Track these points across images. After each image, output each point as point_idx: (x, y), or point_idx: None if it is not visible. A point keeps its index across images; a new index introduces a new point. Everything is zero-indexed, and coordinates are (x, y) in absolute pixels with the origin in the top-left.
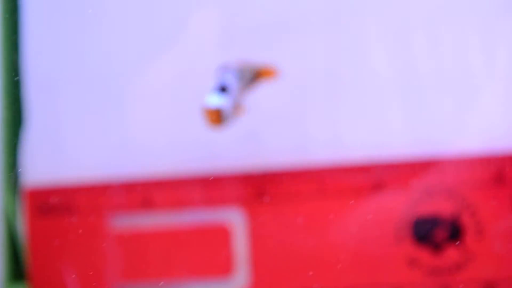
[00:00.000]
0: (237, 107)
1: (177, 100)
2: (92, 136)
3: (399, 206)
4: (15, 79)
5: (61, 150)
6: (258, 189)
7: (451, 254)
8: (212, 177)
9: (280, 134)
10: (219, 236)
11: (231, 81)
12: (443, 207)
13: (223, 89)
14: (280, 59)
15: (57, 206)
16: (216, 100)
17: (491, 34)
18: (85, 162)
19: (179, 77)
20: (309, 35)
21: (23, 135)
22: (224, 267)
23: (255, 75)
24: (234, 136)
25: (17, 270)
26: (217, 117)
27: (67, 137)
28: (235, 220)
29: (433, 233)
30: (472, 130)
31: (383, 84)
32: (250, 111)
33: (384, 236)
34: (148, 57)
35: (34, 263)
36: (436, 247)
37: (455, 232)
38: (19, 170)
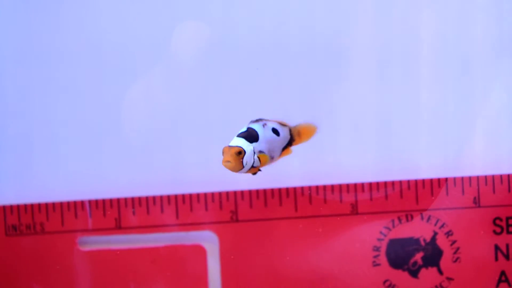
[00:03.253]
0: (258, 162)
1: (148, 122)
2: (64, 156)
3: (374, 229)
4: None
5: (31, 171)
6: (232, 210)
7: (428, 278)
8: (185, 200)
9: None
10: (192, 258)
11: (260, 132)
12: (420, 231)
13: (249, 137)
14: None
15: (27, 225)
16: (238, 142)
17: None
18: (56, 183)
19: (153, 98)
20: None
21: None
22: None
23: (292, 136)
24: (207, 159)
25: None
26: (235, 158)
27: (38, 158)
28: (208, 242)
29: (409, 256)
30: (449, 154)
31: (359, 110)
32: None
33: (360, 260)
34: (123, 79)
35: (1, 283)
36: (413, 270)
37: (431, 255)
38: None
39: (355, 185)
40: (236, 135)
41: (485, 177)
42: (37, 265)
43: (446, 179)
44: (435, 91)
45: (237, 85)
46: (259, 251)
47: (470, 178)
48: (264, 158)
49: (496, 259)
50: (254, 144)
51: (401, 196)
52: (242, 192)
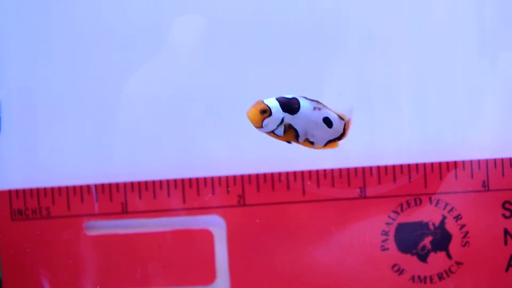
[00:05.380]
0: (282, 133)
1: (155, 107)
2: (69, 141)
3: (382, 213)
4: None
5: (37, 155)
6: (239, 194)
7: (437, 262)
8: (191, 184)
9: (261, 142)
10: (199, 243)
11: (304, 109)
12: (428, 215)
13: (286, 105)
14: (264, 66)
15: (33, 210)
16: (270, 102)
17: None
18: (62, 167)
19: (157, 84)
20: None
21: None
22: (204, 274)
23: (345, 131)
24: (213, 143)
25: None
26: (257, 113)
27: (43, 142)
28: (215, 226)
29: (418, 241)
30: (458, 137)
31: (367, 94)
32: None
33: (368, 244)
34: (124, 65)
35: (7, 267)
36: (421, 255)
37: (440, 240)
38: None
39: (363, 168)
40: (277, 97)
41: (494, 160)
42: (43, 250)
43: (454, 163)
44: (443, 75)
45: (235, 74)
46: (267, 236)
47: (479, 161)
48: (289, 135)
49: (506, 243)
50: (287, 114)
51: (410, 180)
52: (249, 176)
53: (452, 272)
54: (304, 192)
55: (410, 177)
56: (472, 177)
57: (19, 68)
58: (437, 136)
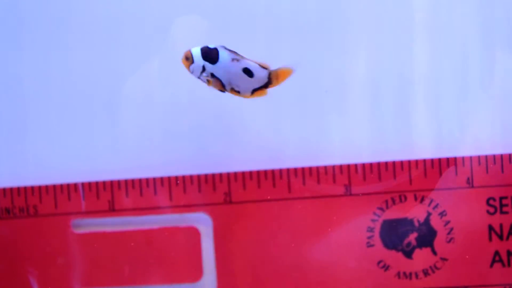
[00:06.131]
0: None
1: (144, 106)
2: (57, 139)
3: (368, 210)
4: None
5: (24, 153)
6: (225, 192)
7: (422, 258)
8: (178, 181)
9: (248, 139)
10: (186, 240)
11: (222, 60)
12: (413, 212)
13: (206, 54)
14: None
15: (20, 208)
16: (194, 51)
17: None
18: (49, 165)
19: (151, 84)
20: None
21: None
22: (191, 271)
23: (270, 79)
24: (199, 140)
25: None
26: (184, 60)
27: (31, 140)
28: (201, 223)
29: (403, 237)
30: (443, 134)
31: (352, 90)
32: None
33: (354, 241)
34: (114, 62)
35: None
36: (407, 251)
37: (425, 236)
38: None
39: (349, 166)
40: (202, 46)
41: (478, 157)
42: (31, 248)
43: (439, 160)
44: (429, 73)
45: None
46: (253, 233)
47: (463, 158)
48: (216, 84)
49: (490, 239)
50: (207, 63)
51: (395, 177)
52: (235, 174)
53: (437, 268)
54: (289, 189)
55: (395, 174)
56: (456, 174)
57: (6, 66)
58: (421, 134)
